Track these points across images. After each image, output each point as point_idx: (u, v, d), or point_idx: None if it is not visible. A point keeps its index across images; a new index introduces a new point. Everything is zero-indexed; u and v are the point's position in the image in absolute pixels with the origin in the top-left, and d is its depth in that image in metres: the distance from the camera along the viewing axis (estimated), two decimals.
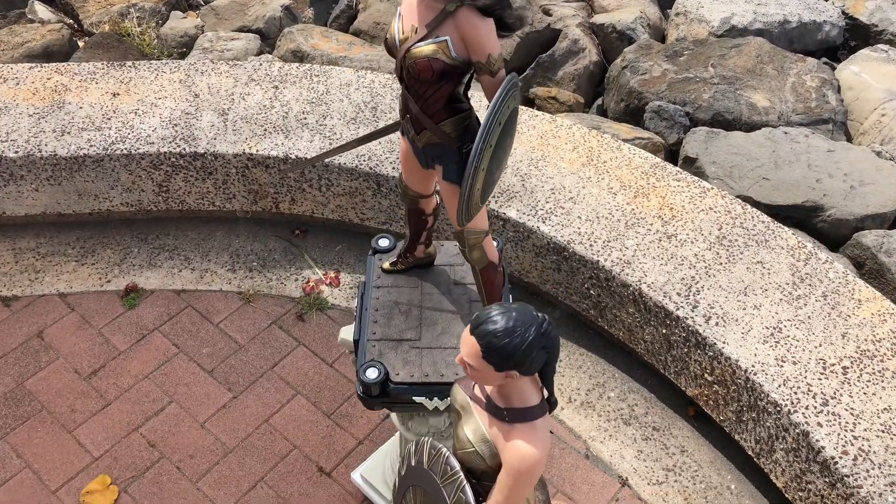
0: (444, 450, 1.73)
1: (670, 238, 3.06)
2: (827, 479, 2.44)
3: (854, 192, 4.14)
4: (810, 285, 2.88)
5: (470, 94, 2.11)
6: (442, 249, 2.61)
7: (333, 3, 5.76)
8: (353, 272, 3.67)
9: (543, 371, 1.59)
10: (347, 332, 2.58)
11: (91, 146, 3.52)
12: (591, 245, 3.06)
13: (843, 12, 5.17)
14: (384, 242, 2.60)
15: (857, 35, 5.14)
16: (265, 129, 3.55)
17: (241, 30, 5.33)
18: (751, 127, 4.51)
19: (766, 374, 2.58)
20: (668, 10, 5.44)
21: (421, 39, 1.86)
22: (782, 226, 3.11)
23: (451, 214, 2.20)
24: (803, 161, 4.32)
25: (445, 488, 1.69)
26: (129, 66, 3.88)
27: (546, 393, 1.65)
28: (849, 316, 2.75)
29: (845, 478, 2.37)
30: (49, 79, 3.84)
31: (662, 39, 5.33)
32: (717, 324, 2.79)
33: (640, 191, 3.22)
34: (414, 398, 2.22)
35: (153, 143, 3.52)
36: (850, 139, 4.66)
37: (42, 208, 3.68)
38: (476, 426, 1.67)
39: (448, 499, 1.68)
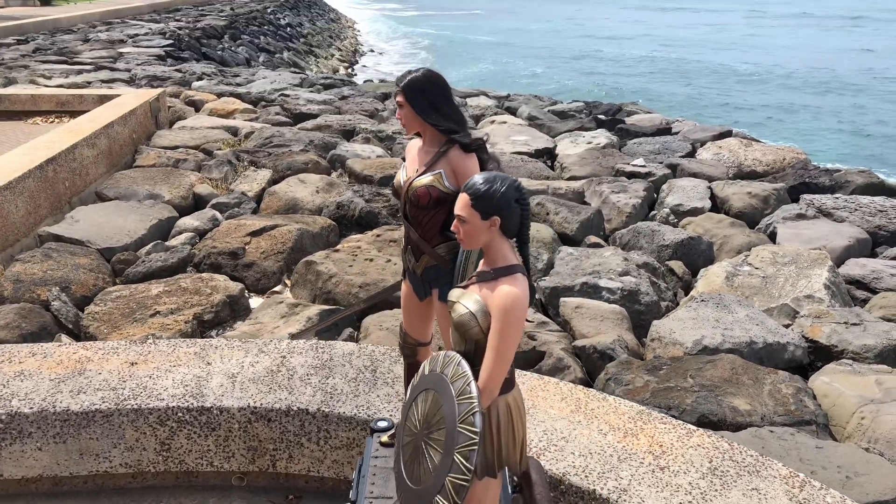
0: (458, 355, 1.94)
1: (663, 469, 3.07)
2: None
3: (850, 481, 4.14)
4: None
5: None
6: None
7: (336, 335, 6.32)
8: None
9: (520, 235, 1.94)
10: None
11: (104, 402, 3.67)
12: (586, 476, 3.05)
13: (803, 336, 5.70)
14: (382, 424, 2.76)
15: (821, 356, 5.59)
16: (270, 388, 3.75)
17: None
18: (736, 427, 4.66)
19: None
20: (644, 338, 5.98)
21: (421, 174, 2.47)
22: (771, 458, 3.14)
23: (444, 339, 2.46)
24: (794, 455, 4.39)
25: (454, 384, 1.90)
26: (149, 342, 4.22)
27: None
28: None
29: None
30: (74, 353, 4.15)
31: (641, 359, 5.76)
32: None
33: (628, 432, 3.32)
34: None
35: (163, 399, 3.68)
36: (835, 440, 4.77)
37: (40, 470, 3.67)
38: (470, 295, 1.98)
39: (454, 392, 1.88)
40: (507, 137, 11.94)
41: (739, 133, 13.57)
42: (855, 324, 5.86)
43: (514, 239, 2.02)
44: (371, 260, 6.99)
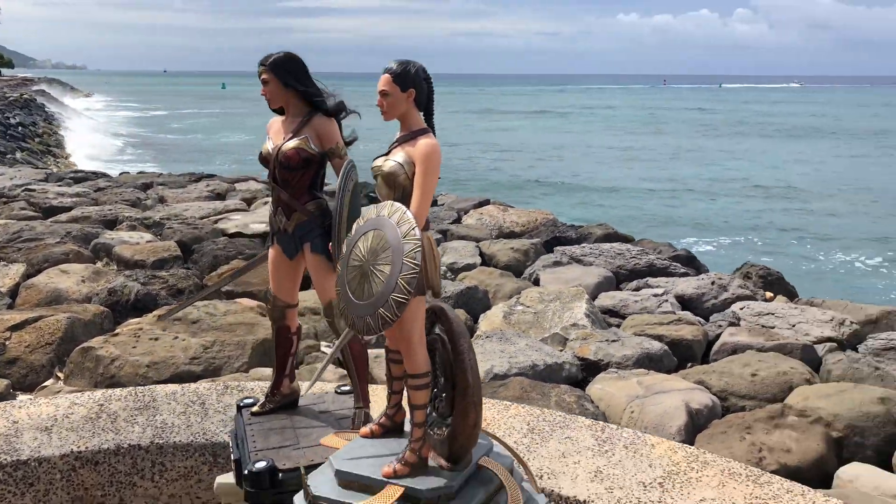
0: (391, 201, 2.31)
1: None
2: None
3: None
4: (612, 443, 3.30)
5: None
6: (306, 397, 2.97)
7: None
8: None
9: (427, 109, 2.47)
10: (225, 477, 2.62)
11: None
12: None
13: (575, 355, 6.43)
14: (249, 400, 2.97)
15: (591, 369, 6.34)
16: (93, 432, 3.54)
17: None
18: None
19: (602, 499, 2.80)
20: None
21: (289, 139, 2.78)
22: (577, 415, 3.67)
23: (319, 291, 2.76)
24: None
25: (392, 217, 2.24)
26: None
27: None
28: (650, 454, 3.15)
29: None
30: None
31: None
32: (549, 478, 3.16)
33: None
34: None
35: None
36: None
37: None
38: (394, 155, 2.40)
39: (397, 227, 2.21)
40: None
41: (496, 201, 14.96)
42: (614, 340, 6.74)
43: (423, 113, 2.48)
44: (157, 339, 6.67)
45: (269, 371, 6.05)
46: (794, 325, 7.64)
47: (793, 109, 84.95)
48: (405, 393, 2.38)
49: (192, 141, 47.40)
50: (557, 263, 9.95)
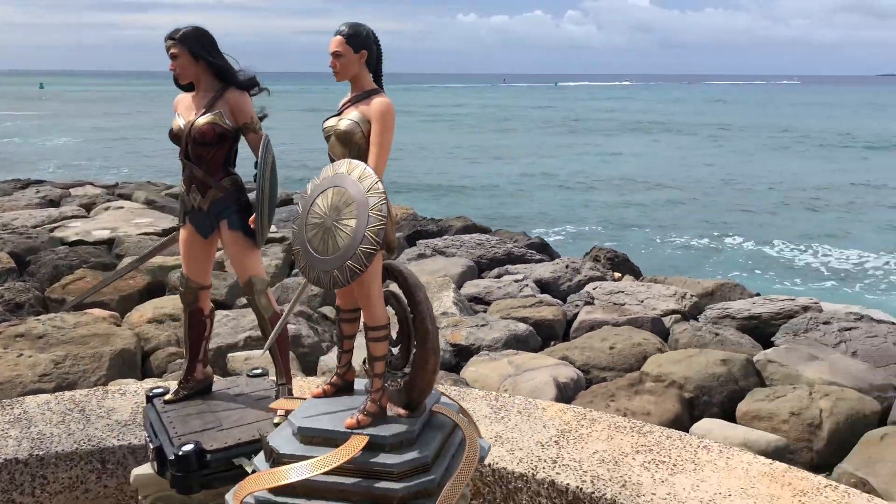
0: (347, 159, 2.36)
1: None
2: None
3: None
4: (507, 410, 3.48)
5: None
6: (218, 382, 2.97)
7: None
8: None
9: (377, 71, 2.55)
10: (142, 468, 2.68)
11: None
12: None
13: (448, 342, 6.59)
14: (159, 390, 2.92)
15: (464, 354, 6.53)
16: None
17: None
18: None
19: (505, 461, 2.98)
20: (314, 375, 6.27)
21: (202, 115, 2.69)
22: (472, 388, 3.80)
23: (238, 269, 2.72)
24: None
25: (353, 173, 2.29)
26: None
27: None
28: (542, 416, 3.36)
29: (592, 495, 2.89)
30: None
31: None
32: None
33: None
34: (233, 461, 2.42)
35: None
36: None
37: None
38: (348, 113, 2.46)
39: (361, 185, 2.25)
40: (130, 221, 11.40)
41: None
42: (483, 325, 6.97)
43: (372, 75, 2.57)
44: None
45: (132, 381, 5.73)
46: (642, 301, 8.24)
47: (625, 106, 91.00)
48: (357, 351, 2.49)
49: (8, 146, 43.31)
50: (422, 256, 10.11)
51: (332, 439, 2.28)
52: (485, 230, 12.44)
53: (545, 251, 11.21)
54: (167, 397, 2.89)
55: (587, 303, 8.18)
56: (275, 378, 2.93)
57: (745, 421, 5.32)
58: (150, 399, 2.92)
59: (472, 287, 8.77)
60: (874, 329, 7.06)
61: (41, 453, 3.25)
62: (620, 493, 2.93)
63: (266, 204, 2.66)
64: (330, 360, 6.16)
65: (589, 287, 8.81)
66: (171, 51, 2.73)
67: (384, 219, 2.22)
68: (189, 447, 2.45)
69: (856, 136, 49.95)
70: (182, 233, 2.88)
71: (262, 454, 2.34)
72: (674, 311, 7.93)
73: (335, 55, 2.47)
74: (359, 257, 2.19)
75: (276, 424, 2.66)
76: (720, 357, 6.08)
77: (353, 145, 2.45)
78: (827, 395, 5.39)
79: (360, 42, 2.49)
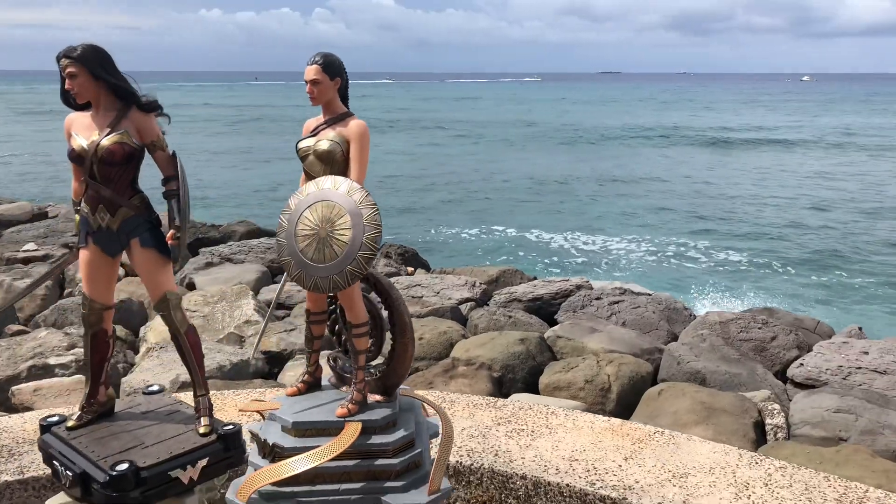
0: (332, 176, 2.60)
1: None
2: None
3: None
4: None
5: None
6: (118, 404, 2.94)
7: None
8: None
9: (344, 95, 2.80)
10: (57, 499, 2.64)
11: None
12: None
13: (259, 350, 6.47)
14: (54, 418, 2.83)
15: (276, 361, 6.45)
16: None
17: None
18: None
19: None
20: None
21: (108, 134, 2.64)
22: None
23: (151, 286, 2.72)
24: None
25: (352, 195, 2.50)
26: None
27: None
28: None
29: (471, 467, 2.93)
30: None
31: None
32: None
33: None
34: (169, 473, 2.47)
35: None
36: None
37: None
38: (325, 134, 2.71)
39: (353, 198, 2.49)
40: None
41: None
42: (292, 329, 6.93)
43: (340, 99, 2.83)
44: None
45: None
46: (438, 292, 8.68)
47: (384, 104, 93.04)
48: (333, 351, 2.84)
49: None
50: (209, 264, 9.71)
51: (325, 429, 2.54)
52: (271, 234, 12.21)
53: None
54: (69, 423, 2.79)
55: None
56: (193, 390, 2.88)
57: (548, 392, 5.90)
58: (46, 428, 2.80)
59: (269, 293, 8.62)
60: (637, 300, 8.14)
61: None
62: (496, 461, 3.20)
63: (188, 216, 2.75)
64: (135, 378, 5.78)
65: None
66: (69, 69, 2.64)
67: (379, 227, 2.47)
68: (124, 466, 2.45)
69: (588, 130, 55.86)
70: (84, 253, 2.78)
71: (252, 452, 2.61)
72: (468, 300, 8.46)
73: (313, 83, 2.70)
74: (359, 262, 2.44)
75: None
76: (518, 337, 6.64)
77: (334, 163, 2.66)
78: (611, 362, 6.15)
79: (335, 70, 2.74)
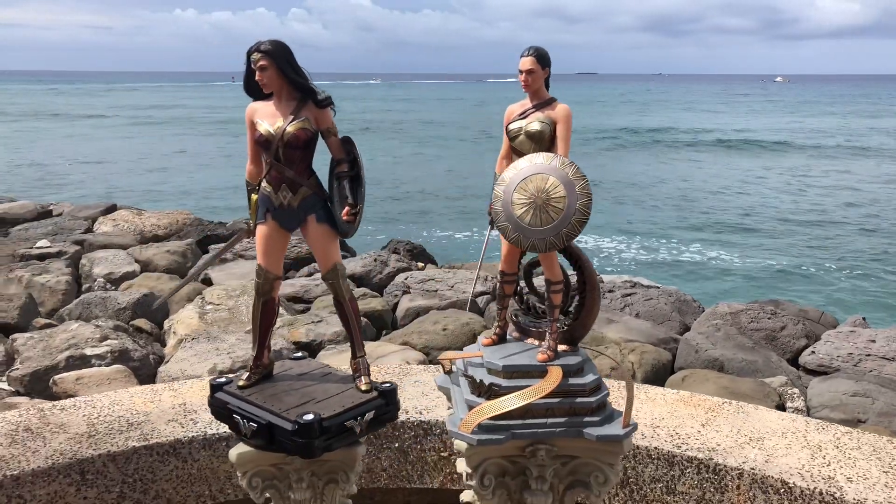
0: (545, 153, 2.92)
1: None
2: None
3: None
4: (413, 387, 3.72)
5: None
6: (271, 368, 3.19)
7: None
8: None
9: (547, 82, 3.11)
10: (239, 448, 2.93)
11: None
12: None
13: (290, 341, 6.61)
14: (221, 379, 3.08)
15: (310, 349, 6.59)
16: None
17: None
18: None
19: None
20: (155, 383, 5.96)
21: (292, 121, 2.95)
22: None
23: (322, 257, 3.03)
24: None
25: (565, 168, 2.83)
26: None
27: None
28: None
29: None
30: None
31: None
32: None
33: None
34: (346, 424, 2.78)
35: None
36: None
37: None
38: (535, 116, 3.03)
39: (567, 171, 2.83)
40: None
41: (124, 205, 13.83)
42: (319, 321, 7.08)
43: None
44: None
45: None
46: (452, 286, 8.86)
47: (374, 106, 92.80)
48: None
49: None
50: (224, 261, 9.80)
51: (529, 372, 2.90)
52: None
53: (343, 247, 11.44)
54: (241, 383, 3.05)
55: (405, 292, 8.60)
56: (352, 351, 3.13)
57: None
58: (217, 388, 3.06)
59: (288, 287, 8.75)
60: (648, 293, 8.38)
61: (16, 473, 3.31)
62: None
63: (363, 195, 3.02)
64: (172, 368, 5.90)
65: (400, 278, 9.23)
66: (260, 62, 2.93)
67: (590, 196, 2.79)
68: (310, 416, 2.71)
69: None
70: (262, 229, 3.07)
71: (462, 390, 2.97)
72: (483, 293, 8.65)
73: (528, 72, 3.04)
74: (573, 226, 2.81)
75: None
76: None
77: (542, 142, 2.99)
78: (633, 350, 6.37)
79: (545, 61, 3.08)
